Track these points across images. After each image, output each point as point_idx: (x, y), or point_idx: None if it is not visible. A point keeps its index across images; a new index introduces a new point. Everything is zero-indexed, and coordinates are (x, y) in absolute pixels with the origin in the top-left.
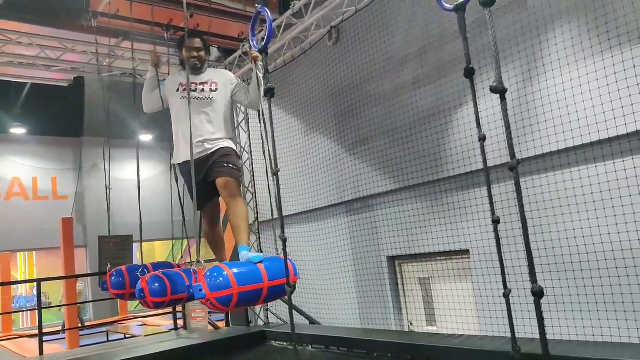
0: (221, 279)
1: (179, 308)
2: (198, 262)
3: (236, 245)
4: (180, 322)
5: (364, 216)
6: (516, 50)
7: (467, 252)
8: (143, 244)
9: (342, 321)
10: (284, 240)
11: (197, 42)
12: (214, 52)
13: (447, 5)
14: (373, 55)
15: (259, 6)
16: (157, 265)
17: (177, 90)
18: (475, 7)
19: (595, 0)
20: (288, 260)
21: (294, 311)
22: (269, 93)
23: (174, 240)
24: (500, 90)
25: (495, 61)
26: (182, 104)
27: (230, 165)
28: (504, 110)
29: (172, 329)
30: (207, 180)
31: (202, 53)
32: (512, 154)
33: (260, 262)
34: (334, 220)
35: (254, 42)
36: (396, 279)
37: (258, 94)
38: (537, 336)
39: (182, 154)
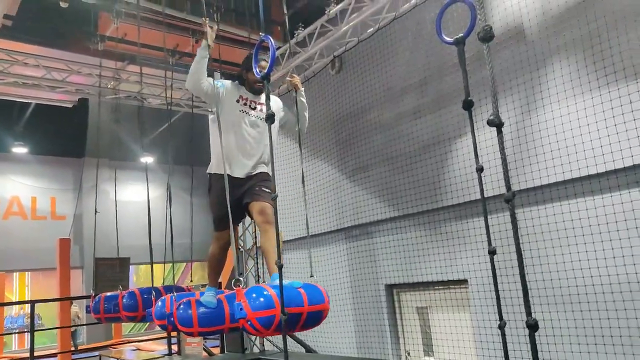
0: (263, 298)
1: (173, 333)
2: (238, 280)
3: (269, 272)
4: (174, 348)
5: (362, 243)
6: (515, 83)
7: (465, 282)
8: (140, 266)
9: (339, 350)
10: (280, 267)
11: (265, 67)
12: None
13: (447, 39)
14: (374, 85)
15: (263, 34)
16: (168, 289)
17: (238, 102)
18: (475, 41)
19: (592, 37)
20: (321, 287)
21: (290, 339)
22: (270, 119)
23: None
24: (496, 124)
25: (493, 95)
26: (241, 117)
27: (269, 191)
28: (500, 143)
29: (165, 355)
30: (242, 201)
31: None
32: (508, 186)
33: (300, 287)
34: (333, 247)
35: (257, 70)
36: (394, 308)
37: (305, 119)
38: None
39: (236, 168)
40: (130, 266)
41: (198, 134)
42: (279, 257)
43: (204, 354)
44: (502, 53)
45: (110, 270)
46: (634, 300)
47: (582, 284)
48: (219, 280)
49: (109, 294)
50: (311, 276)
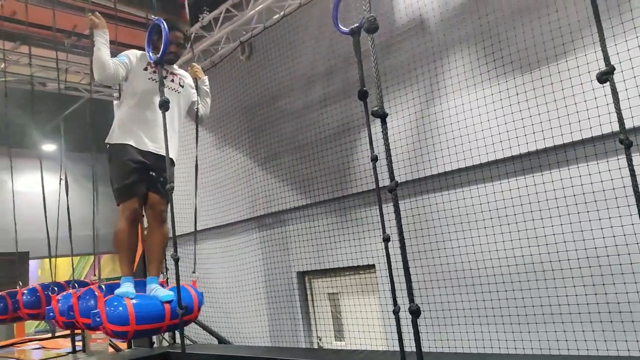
0: (121, 310)
1: (77, 330)
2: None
3: (147, 274)
4: (79, 344)
5: (275, 231)
6: (420, 72)
7: (373, 267)
8: (46, 260)
9: (252, 339)
10: (176, 260)
11: (180, 37)
12: None
13: (343, 29)
14: (284, 72)
15: (154, 18)
16: (70, 284)
17: (146, 70)
18: (381, 29)
19: (490, 28)
20: (194, 291)
21: (203, 330)
22: (164, 106)
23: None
24: (380, 115)
25: (377, 86)
26: (152, 86)
27: (170, 184)
28: (384, 133)
29: (69, 352)
30: (148, 172)
31: (181, 50)
32: (392, 177)
33: (169, 301)
34: (245, 236)
35: (150, 54)
36: (306, 295)
37: (208, 106)
38: (436, 349)
39: (142, 141)
40: (34, 261)
41: (100, 120)
42: (175, 250)
43: (110, 349)
44: (405, 43)
45: (8, 265)
46: (529, 280)
47: (483, 267)
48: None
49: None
50: (193, 272)
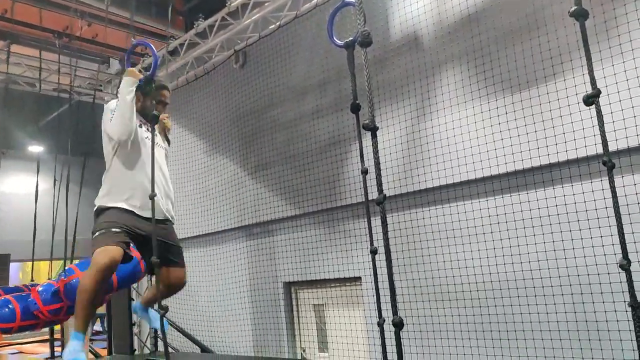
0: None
1: (57, 335)
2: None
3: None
4: (58, 350)
5: (262, 241)
6: (412, 88)
7: (359, 279)
8: (28, 263)
9: (236, 348)
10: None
11: (168, 97)
12: (115, 65)
13: (338, 42)
14: (277, 82)
15: (135, 40)
16: (7, 290)
17: (140, 127)
18: (375, 44)
19: (482, 48)
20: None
21: (185, 339)
22: (155, 120)
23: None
24: (371, 128)
25: (369, 99)
26: (147, 144)
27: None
28: (375, 146)
29: (47, 358)
30: (149, 242)
31: (165, 109)
32: (380, 190)
33: None
34: (233, 245)
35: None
36: (291, 305)
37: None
38: None
39: (146, 206)
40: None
41: (89, 123)
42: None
43: (90, 355)
44: (399, 59)
45: None
46: (511, 297)
47: (467, 282)
48: None
49: None
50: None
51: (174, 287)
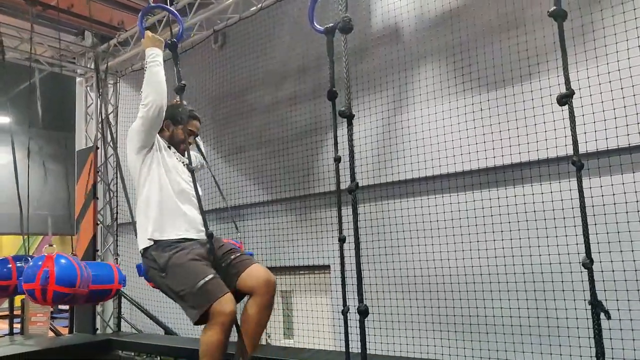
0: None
1: (17, 311)
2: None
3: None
4: (17, 327)
5: (232, 226)
6: (390, 80)
7: (328, 267)
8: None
9: (199, 332)
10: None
11: (198, 127)
12: (90, 39)
13: (318, 27)
14: (255, 66)
15: (152, 1)
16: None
17: (170, 148)
18: (356, 33)
19: (462, 44)
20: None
21: (150, 320)
22: (181, 90)
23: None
24: (347, 115)
25: (347, 87)
26: (182, 169)
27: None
28: (350, 135)
29: (6, 334)
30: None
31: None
32: (353, 178)
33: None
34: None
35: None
36: None
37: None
38: (381, 352)
39: (192, 227)
40: None
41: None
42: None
43: (51, 333)
44: (379, 49)
45: None
46: (476, 291)
47: (434, 274)
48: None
49: None
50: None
51: (263, 287)
